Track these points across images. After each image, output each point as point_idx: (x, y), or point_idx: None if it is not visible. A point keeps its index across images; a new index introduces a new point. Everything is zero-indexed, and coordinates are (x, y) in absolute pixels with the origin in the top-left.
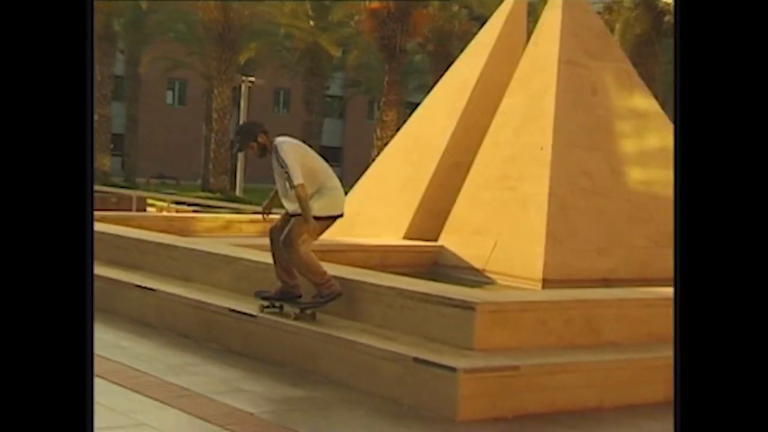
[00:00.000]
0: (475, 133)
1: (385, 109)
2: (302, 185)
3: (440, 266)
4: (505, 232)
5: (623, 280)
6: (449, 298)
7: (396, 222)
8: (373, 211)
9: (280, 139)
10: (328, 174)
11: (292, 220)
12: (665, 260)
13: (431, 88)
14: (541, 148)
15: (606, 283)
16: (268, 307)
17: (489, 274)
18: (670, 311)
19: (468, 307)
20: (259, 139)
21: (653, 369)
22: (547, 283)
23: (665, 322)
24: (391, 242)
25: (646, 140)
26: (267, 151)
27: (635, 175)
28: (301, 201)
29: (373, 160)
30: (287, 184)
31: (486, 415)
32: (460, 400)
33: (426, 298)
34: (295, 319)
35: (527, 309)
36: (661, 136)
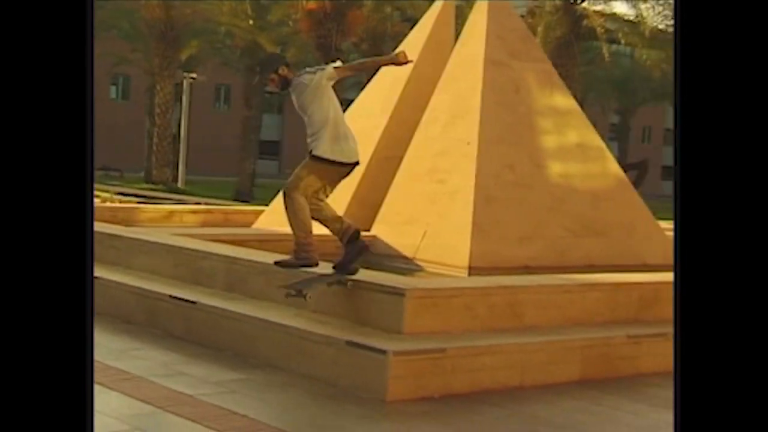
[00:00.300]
0: (406, 128)
1: None
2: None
3: (373, 255)
4: (434, 222)
5: (543, 268)
6: (380, 285)
7: None
8: None
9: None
10: (342, 118)
11: (306, 161)
12: (582, 249)
13: (365, 86)
14: (468, 143)
15: (527, 270)
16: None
17: (419, 262)
18: (586, 296)
19: (398, 293)
20: (280, 72)
21: (570, 350)
22: (473, 270)
23: (581, 307)
24: (326, 232)
25: (565, 136)
26: (289, 83)
27: (555, 168)
28: (356, 65)
29: None
30: (313, 110)
31: (415, 394)
32: (390, 381)
33: (358, 284)
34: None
35: (454, 295)
36: (579, 132)
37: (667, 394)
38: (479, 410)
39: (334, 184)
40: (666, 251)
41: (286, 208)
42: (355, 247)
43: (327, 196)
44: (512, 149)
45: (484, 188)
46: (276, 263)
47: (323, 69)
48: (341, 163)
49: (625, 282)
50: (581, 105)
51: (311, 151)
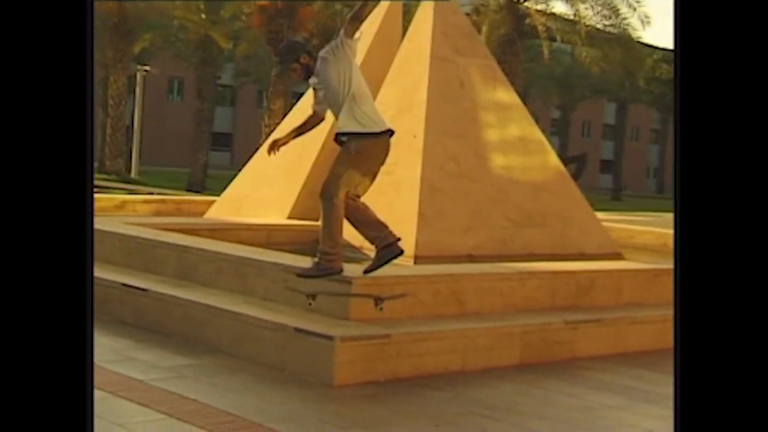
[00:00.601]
0: None
1: (272, 98)
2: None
3: None
4: (380, 212)
5: (486, 257)
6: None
7: (281, 203)
8: (260, 193)
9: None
10: (364, 91)
11: (339, 153)
12: (523, 238)
13: None
14: (414, 136)
15: (471, 259)
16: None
17: (366, 251)
18: (526, 284)
19: (345, 281)
20: (302, 60)
21: (510, 336)
22: (418, 259)
23: (521, 294)
24: (276, 222)
25: (507, 130)
26: (311, 71)
27: (497, 161)
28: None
29: (261, 145)
30: (341, 86)
31: (361, 379)
32: (336, 366)
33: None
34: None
35: (399, 283)
36: (521, 126)
37: (601, 377)
38: (423, 394)
39: (373, 170)
40: (602, 241)
41: (323, 212)
42: (390, 253)
43: (365, 191)
44: (456, 142)
45: (430, 180)
46: (298, 275)
47: (332, 44)
48: (366, 135)
49: (563, 270)
50: (524, 100)
51: (338, 137)
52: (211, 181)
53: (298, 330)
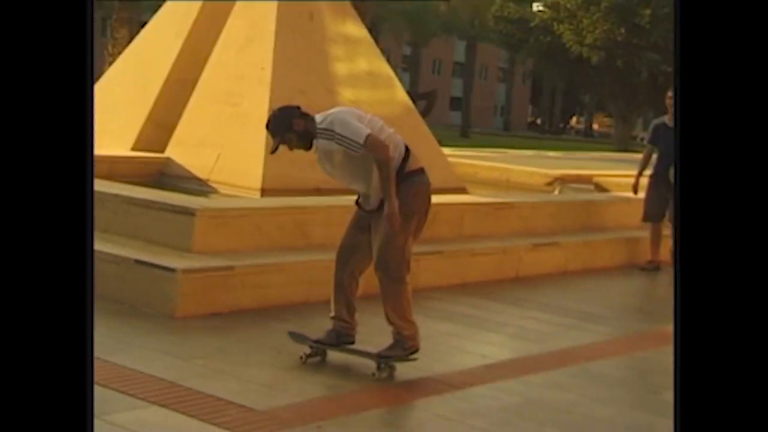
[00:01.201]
0: (201, 52)
1: (116, 27)
2: (371, 135)
3: (166, 176)
4: (227, 145)
5: (333, 190)
6: (171, 205)
7: (124, 134)
8: (103, 124)
9: (329, 118)
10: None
11: (382, 225)
12: None
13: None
14: (262, 68)
15: (318, 192)
16: (311, 355)
17: (212, 184)
18: None
19: (188, 212)
20: (295, 127)
21: None
22: (265, 192)
23: None
24: (119, 153)
25: (356, 64)
26: (311, 135)
27: (346, 95)
28: (380, 154)
29: (104, 74)
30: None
31: (203, 311)
32: (178, 298)
33: (149, 204)
34: (377, 379)
35: (244, 215)
36: (369, 60)
37: (441, 306)
38: (266, 324)
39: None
40: (447, 176)
41: (391, 294)
42: (402, 351)
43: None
44: (305, 75)
45: None
46: (381, 357)
47: (345, 135)
48: (416, 171)
49: None
50: (374, 36)
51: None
52: None
53: (138, 262)
